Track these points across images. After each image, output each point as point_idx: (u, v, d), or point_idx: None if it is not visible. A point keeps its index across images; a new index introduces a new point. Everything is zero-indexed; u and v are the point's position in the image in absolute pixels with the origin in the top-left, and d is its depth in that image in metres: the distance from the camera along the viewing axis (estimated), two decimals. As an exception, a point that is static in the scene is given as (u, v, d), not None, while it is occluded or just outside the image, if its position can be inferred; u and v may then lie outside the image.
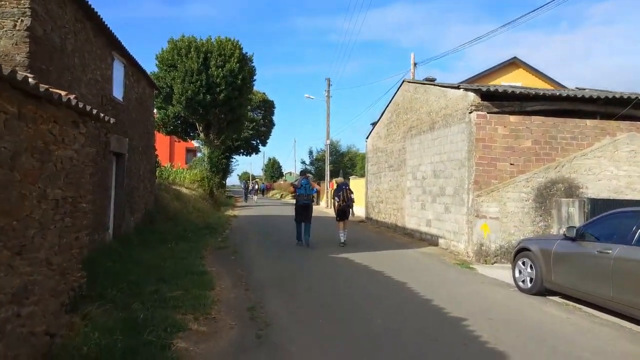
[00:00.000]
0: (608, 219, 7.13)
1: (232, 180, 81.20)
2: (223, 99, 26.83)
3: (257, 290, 7.49)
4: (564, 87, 19.91)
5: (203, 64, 26.57)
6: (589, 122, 11.35)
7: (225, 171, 39.49)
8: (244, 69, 28.23)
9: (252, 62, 30.04)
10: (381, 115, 19.91)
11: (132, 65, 12.22)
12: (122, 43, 10.65)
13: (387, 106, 19.04)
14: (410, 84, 16.73)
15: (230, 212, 24.53)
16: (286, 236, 14.19)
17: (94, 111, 5.69)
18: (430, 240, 13.68)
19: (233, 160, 45.99)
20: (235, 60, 27.24)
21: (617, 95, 11.21)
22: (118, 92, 11.22)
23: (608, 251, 6.42)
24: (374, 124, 21.60)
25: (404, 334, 5.55)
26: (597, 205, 9.75)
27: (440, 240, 13.07)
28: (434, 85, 14.36)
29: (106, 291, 6.21)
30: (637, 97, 11.13)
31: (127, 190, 11.91)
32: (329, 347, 5.07)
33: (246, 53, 29.11)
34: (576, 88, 14.10)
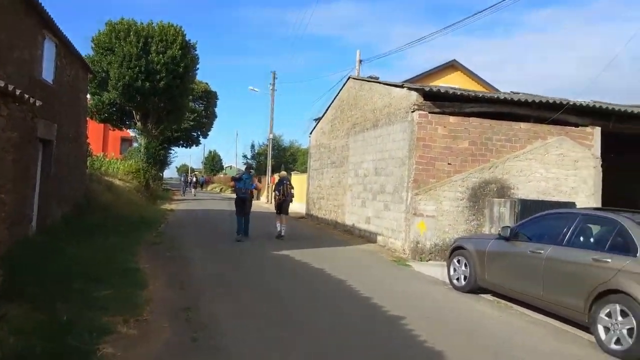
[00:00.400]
0: (540, 219, 7.43)
1: (170, 173, 78.88)
2: (163, 86, 25.79)
3: (194, 289, 7.21)
4: (498, 90, 20.69)
5: (143, 49, 25.39)
6: (522, 125, 11.82)
7: (163, 163, 38.19)
8: (187, 56, 27.30)
9: (196, 50, 29.10)
10: (326, 111, 19.90)
11: (64, 46, 11.46)
12: (55, 22, 9.98)
13: (332, 102, 19.04)
14: (356, 80, 16.81)
15: (167, 206, 23.73)
16: (225, 231, 13.87)
17: (17, 92, 5.22)
18: (369, 238, 13.82)
19: (171, 151, 44.60)
20: (178, 47, 26.27)
21: (550, 101, 11.72)
22: (48, 74, 10.50)
23: (540, 251, 6.68)
24: (317, 120, 21.57)
25: (346, 335, 5.51)
26: (527, 206, 10.14)
27: (379, 238, 13.23)
28: (379, 83, 14.49)
29: (26, 290, 5.73)
30: (567, 103, 11.70)
31: (55, 180, 11.19)
32: (269, 349, 4.93)
33: (189, 40, 28.16)
34: (511, 92, 14.64)
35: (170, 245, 11.08)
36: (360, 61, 24.34)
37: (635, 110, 12.12)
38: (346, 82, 17.73)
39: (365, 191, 14.58)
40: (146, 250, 10.31)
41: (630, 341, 5.25)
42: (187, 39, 27.70)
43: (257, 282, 8.00)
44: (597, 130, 11.97)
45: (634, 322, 5.23)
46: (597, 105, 11.94)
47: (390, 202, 12.65)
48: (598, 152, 11.93)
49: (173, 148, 44.73)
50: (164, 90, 26.09)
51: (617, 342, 5.40)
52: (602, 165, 11.93)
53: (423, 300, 7.46)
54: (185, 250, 10.64)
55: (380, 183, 13.46)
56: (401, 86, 12.51)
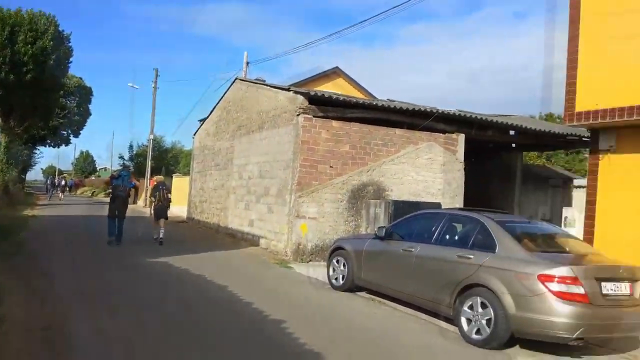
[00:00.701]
0: (412, 219, 7.89)
1: (35, 175, 71.66)
2: (30, 80, 23.28)
3: (56, 305, 6.49)
4: (376, 97, 21.75)
5: (9, 39, 22.72)
6: (397, 131, 12.52)
7: (27, 164, 34.57)
8: (59, 48, 24.98)
9: (70, 42, 26.80)
10: (211, 112, 19.41)
11: None
12: None
13: (218, 103, 18.63)
14: (243, 82, 16.65)
15: (29, 212, 21.43)
16: (96, 239, 12.84)
17: None
18: (252, 241, 13.71)
19: (37, 151, 40.58)
20: (49, 37, 23.92)
21: (422, 109, 12.57)
22: None
23: (411, 249, 7.08)
24: (202, 121, 20.97)
25: (224, 342, 5.36)
26: (399, 207, 10.74)
27: (262, 240, 13.19)
28: (266, 85, 14.49)
29: None
30: (437, 111, 12.63)
31: None
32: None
33: (63, 31, 25.84)
34: (388, 99, 15.47)
35: (31, 256, 9.97)
36: (248, 63, 24.23)
37: (494, 119, 13.48)
38: (233, 83, 17.46)
39: (249, 194, 14.45)
40: (2, 262, 9.17)
41: (489, 330, 5.75)
42: (60, 29, 25.44)
43: (129, 294, 7.43)
44: (462, 137, 13.06)
45: (492, 313, 5.74)
46: (462, 114, 13.07)
47: (274, 205, 12.67)
48: (462, 157, 13.02)
49: (39, 148, 40.74)
50: (31, 84, 23.61)
51: (478, 332, 5.88)
52: (465, 169, 13.04)
53: (304, 301, 7.55)
54: (48, 261, 9.64)
55: (264, 185, 13.43)
56: (287, 89, 12.63)
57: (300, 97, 11.78)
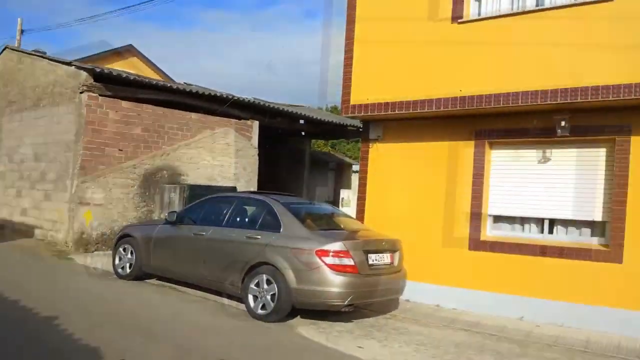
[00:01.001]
0: (205, 203, 7.92)
1: None
2: None
3: None
4: (174, 81, 21.05)
5: None
6: (193, 115, 12.33)
7: None
8: None
9: None
10: (-30, 84, 16.32)
11: None
12: None
13: (-20, 74, 15.74)
14: (15, 52, 14.40)
15: None
16: None
17: None
18: (25, 232, 12.07)
19: None
20: None
21: (218, 94, 12.63)
22: None
23: (202, 233, 7.13)
24: (-43, 93, 17.51)
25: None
26: (195, 191, 10.66)
27: (37, 231, 11.73)
28: (43, 57, 12.84)
29: None
30: (232, 97, 12.81)
31: None
32: None
33: None
34: (185, 83, 15.09)
35: None
36: (22, 31, 21.12)
37: (285, 108, 14.43)
38: (1, 52, 14.97)
39: (22, 179, 12.69)
40: None
41: (273, 305, 6.14)
42: None
43: None
44: (256, 124, 13.51)
45: (276, 288, 6.14)
46: (256, 101, 13.53)
47: (53, 191, 11.39)
48: (256, 143, 13.48)
49: None
50: None
51: (263, 307, 6.25)
52: (259, 154, 13.53)
53: (83, 294, 6.96)
54: None
55: (41, 170, 11.95)
56: (69, 64, 11.41)
57: (84, 73, 10.80)
